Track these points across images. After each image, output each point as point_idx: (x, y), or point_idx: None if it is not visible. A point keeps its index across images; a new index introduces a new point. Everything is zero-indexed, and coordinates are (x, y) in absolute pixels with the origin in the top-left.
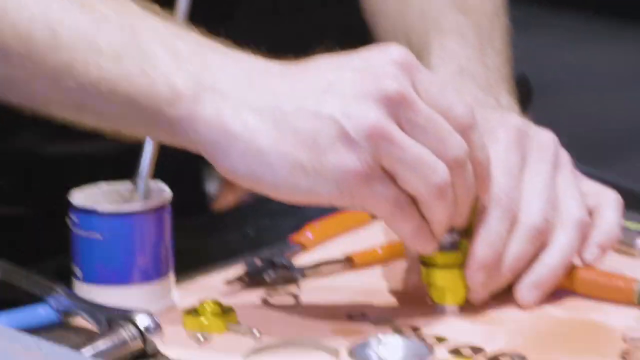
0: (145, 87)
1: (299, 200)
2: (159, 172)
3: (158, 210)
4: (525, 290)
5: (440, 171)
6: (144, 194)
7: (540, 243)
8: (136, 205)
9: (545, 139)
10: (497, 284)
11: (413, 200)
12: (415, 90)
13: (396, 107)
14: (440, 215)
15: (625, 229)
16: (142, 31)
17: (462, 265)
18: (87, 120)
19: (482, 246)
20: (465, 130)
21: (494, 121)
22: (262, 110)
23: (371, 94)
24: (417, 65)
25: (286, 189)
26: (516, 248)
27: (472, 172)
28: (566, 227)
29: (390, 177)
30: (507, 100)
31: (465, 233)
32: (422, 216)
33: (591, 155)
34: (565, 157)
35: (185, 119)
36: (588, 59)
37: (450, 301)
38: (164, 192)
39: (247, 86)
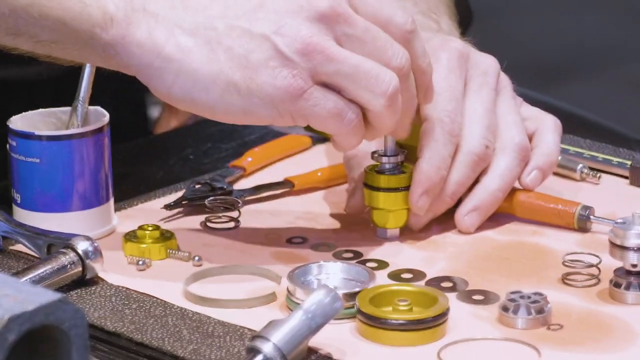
0: (77, 10)
1: (237, 121)
2: (101, 97)
3: (96, 134)
4: (465, 214)
5: (387, 78)
6: (82, 118)
7: (480, 169)
8: (74, 130)
9: (486, 64)
10: (439, 208)
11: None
12: (351, 5)
13: (331, 22)
14: (389, 123)
15: (565, 153)
16: None
17: (405, 188)
18: (23, 45)
19: (427, 169)
20: (406, 38)
21: (435, 44)
22: (194, 31)
23: (304, 11)
24: None
25: (221, 110)
26: (457, 173)
27: (414, 80)
28: (506, 152)
29: (334, 91)
30: (448, 24)
31: (409, 157)
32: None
33: (530, 78)
34: (506, 81)
35: (119, 42)
36: None
37: (392, 225)
38: (102, 116)
39: (179, 7)
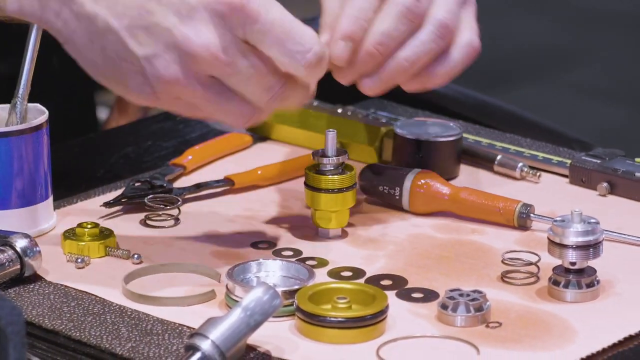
0: None
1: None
2: (50, 97)
3: (35, 131)
4: (368, 79)
5: (274, 90)
6: (21, 115)
7: (410, 23)
8: (13, 127)
9: None
10: (365, 60)
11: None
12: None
13: (232, 27)
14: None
15: (505, 152)
16: None
17: (347, 189)
18: None
19: (345, 18)
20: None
21: None
22: (79, 15)
23: (179, 49)
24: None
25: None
26: (382, 23)
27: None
28: (425, 26)
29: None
30: None
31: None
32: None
33: (477, 80)
34: None
35: (18, 15)
36: None
37: (334, 225)
38: (41, 114)
39: None
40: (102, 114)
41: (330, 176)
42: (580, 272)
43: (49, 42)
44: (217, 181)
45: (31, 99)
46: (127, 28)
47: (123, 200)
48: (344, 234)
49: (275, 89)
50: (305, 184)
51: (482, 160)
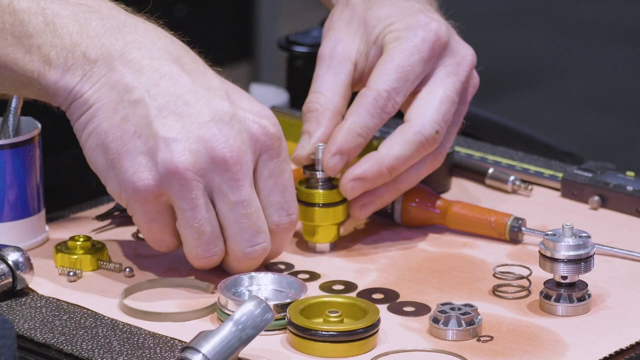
0: (19, 58)
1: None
2: (46, 108)
3: (28, 144)
4: (349, 179)
5: (212, 251)
6: (14, 129)
7: (425, 152)
8: (5, 140)
9: (463, 55)
10: (376, 181)
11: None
12: (257, 168)
13: (216, 170)
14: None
15: (497, 165)
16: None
17: (335, 204)
18: None
19: (346, 132)
20: None
21: (420, 20)
22: (115, 85)
23: (202, 145)
24: (277, 147)
25: (89, 159)
26: (401, 149)
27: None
28: (410, 139)
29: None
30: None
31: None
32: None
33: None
34: (475, 80)
35: (53, 87)
36: None
37: (322, 240)
38: (34, 127)
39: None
40: None
41: (321, 191)
42: (571, 286)
43: None
44: None
45: (26, 112)
46: (158, 107)
47: (115, 213)
48: (335, 248)
49: (258, 239)
50: (297, 198)
51: (474, 173)
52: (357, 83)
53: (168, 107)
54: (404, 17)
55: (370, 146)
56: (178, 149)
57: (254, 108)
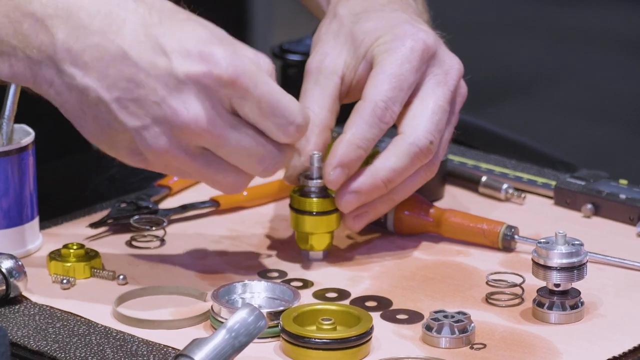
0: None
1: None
2: (41, 116)
3: (21, 152)
4: (345, 193)
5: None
6: (7, 136)
7: (420, 163)
8: None
9: (450, 64)
10: (372, 193)
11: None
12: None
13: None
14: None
15: (490, 173)
16: None
17: (329, 212)
18: None
19: (345, 145)
20: None
21: (406, 30)
22: (72, 86)
23: (167, 122)
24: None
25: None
26: (396, 160)
27: None
28: (404, 150)
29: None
30: (423, 4)
31: None
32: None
33: (468, 101)
34: (463, 89)
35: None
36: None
37: (315, 248)
38: (27, 134)
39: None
40: None
41: (314, 198)
42: (564, 293)
43: None
44: (203, 202)
45: (21, 120)
46: (117, 100)
47: (109, 221)
48: (328, 256)
49: (267, 160)
50: (290, 206)
51: (467, 181)
52: (345, 96)
53: (125, 96)
54: (391, 29)
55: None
56: (151, 137)
57: (190, 48)
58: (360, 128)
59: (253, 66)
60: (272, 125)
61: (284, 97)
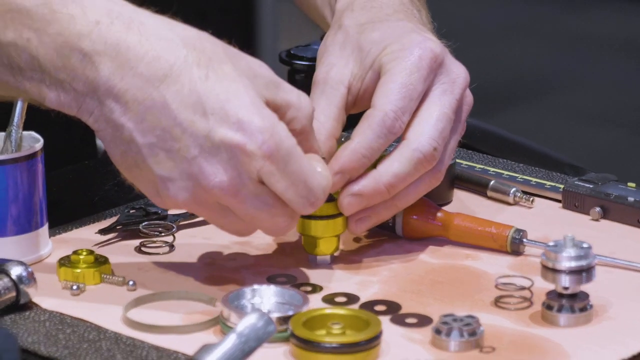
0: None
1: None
2: (50, 123)
3: (30, 159)
4: (347, 195)
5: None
6: (16, 144)
7: (423, 170)
8: (8, 155)
9: (457, 73)
10: (374, 198)
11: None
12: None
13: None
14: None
15: (499, 177)
16: None
17: (334, 216)
18: None
19: (350, 152)
20: None
21: (414, 39)
22: (108, 120)
23: (193, 179)
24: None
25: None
26: (399, 166)
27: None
28: (408, 156)
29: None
30: (427, 16)
31: None
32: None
33: (476, 105)
34: (469, 98)
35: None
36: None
37: (322, 252)
38: (36, 142)
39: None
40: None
41: None
42: (573, 296)
43: None
44: None
45: (31, 127)
46: (149, 146)
47: (118, 227)
48: (337, 260)
49: (280, 224)
50: None
51: (476, 185)
52: (352, 106)
53: (158, 145)
54: (398, 39)
55: None
56: (174, 189)
57: (230, 113)
58: (367, 137)
59: (288, 141)
60: (295, 198)
61: (312, 176)
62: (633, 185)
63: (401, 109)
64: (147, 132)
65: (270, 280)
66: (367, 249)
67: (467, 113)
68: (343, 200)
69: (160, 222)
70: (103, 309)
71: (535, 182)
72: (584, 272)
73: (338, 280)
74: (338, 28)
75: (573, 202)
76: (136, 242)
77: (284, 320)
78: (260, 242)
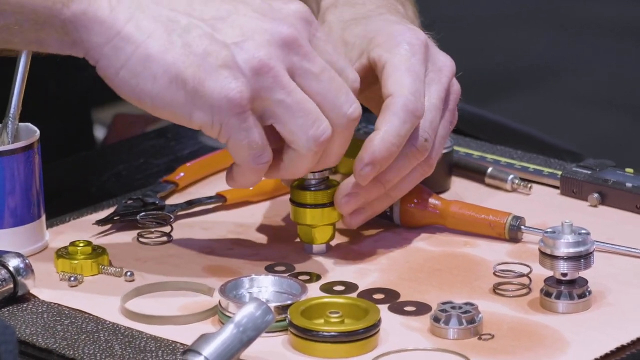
0: None
1: (169, 117)
2: (47, 114)
3: (27, 150)
4: (356, 216)
5: (323, 126)
6: (12, 135)
7: (416, 161)
8: (4, 146)
9: (443, 62)
10: (370, 193)
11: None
12: (311, 45)
13: (290, 50)
14: (303, 168)
15: (496, 164)
16: None
17: (330, 204)
18: None
19: (379, 142)
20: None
21: (403, 29)
22: (157, 18)
23: (267, 33)
24: (316, 24)
25: (160, 102)
26: (394, 161)
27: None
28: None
29: (263, 126)
30: (413, 12)
31: (334, 171)
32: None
33: (466, 92)
34: (456, 86)
35: (79, 17)
36: None
37: (318, 240)
38: (33, 133)
39: None
40: (99, 132)
41: (313, 191)
42: (571, 283)
43: (44, 62)
44: (209, 197)
45: (28, 119)
46: (210, 23)
47: (115, 218)
48: (335, 249)
49: (319, 123)
50: (290, 199)
51: (473, 172)
52: None
53: (217, 19)
54: (381, 30)
55: (356, 145)
56: (252, 47)
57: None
58: (394, 124)
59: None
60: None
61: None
62: (631, 170)
63: (418, 90)
64: (203, 12)
65: (268, 269)
66: (365, 237)
67: (456, 102)
68: (340, 201)
69: (157, 212)
70: (101, 300)
71: (533, 168)
72: (582, 259)
73: (336, 269)
74: (322, 22)
75: (571, 188)
76: (134, 233)
77: (282, 309)
78: (258, 232)
